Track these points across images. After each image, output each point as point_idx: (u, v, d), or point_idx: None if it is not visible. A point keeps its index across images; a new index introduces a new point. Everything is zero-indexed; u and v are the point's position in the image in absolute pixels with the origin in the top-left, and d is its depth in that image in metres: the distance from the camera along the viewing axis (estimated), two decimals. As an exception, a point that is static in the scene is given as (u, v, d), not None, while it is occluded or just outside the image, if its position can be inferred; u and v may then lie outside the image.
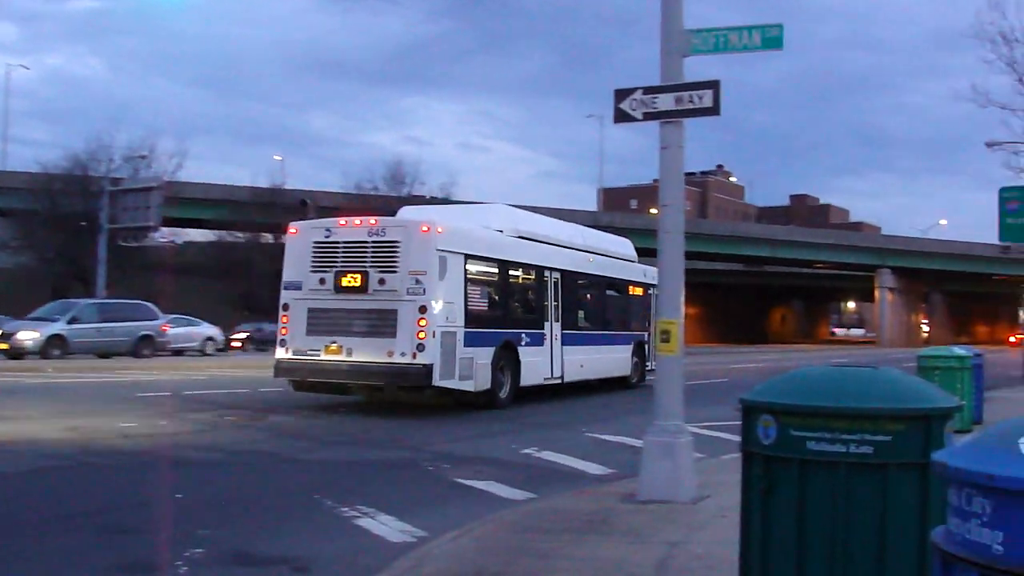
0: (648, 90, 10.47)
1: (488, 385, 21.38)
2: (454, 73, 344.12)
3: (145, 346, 42.88)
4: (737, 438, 5.05)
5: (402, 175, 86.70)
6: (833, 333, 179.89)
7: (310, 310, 20.55)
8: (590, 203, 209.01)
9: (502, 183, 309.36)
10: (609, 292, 28.44)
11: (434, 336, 19.52)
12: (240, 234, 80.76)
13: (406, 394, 20.60)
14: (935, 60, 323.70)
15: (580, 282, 26.57)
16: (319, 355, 20.18)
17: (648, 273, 29.70)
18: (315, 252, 20.69)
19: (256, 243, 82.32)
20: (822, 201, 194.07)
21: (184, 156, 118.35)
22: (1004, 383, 32.24)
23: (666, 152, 10.45)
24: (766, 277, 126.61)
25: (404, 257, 19.81)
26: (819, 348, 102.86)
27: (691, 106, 10.24)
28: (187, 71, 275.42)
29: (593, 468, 13.55)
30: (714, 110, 10.20)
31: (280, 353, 20.73)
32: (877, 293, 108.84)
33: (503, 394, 22.08)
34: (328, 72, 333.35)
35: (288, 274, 21.04)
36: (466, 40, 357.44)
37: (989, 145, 34.33)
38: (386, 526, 9.38)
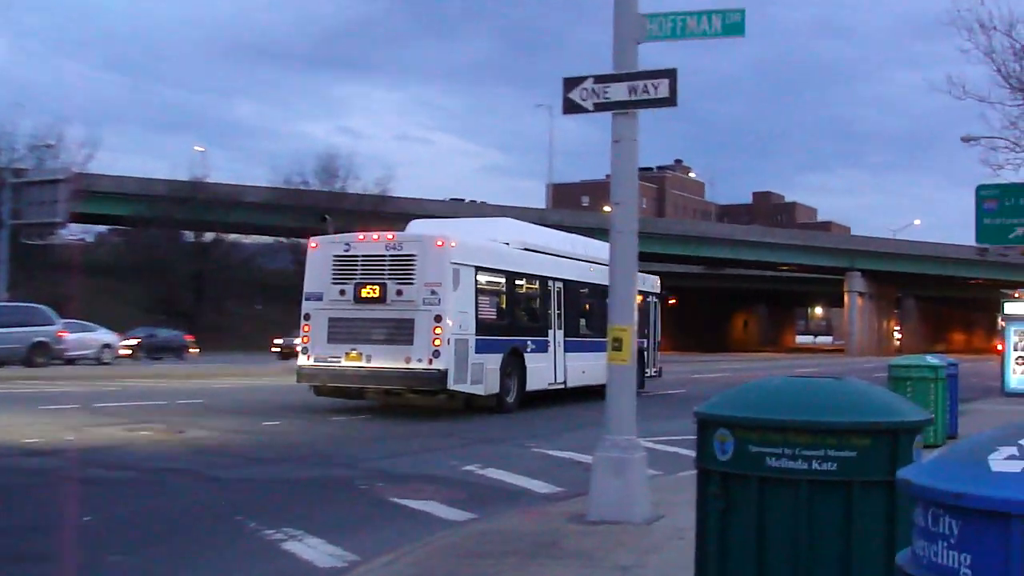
0: (599, 79, 10.51)
1: (497, 389, 24.18)
2: (391, 59, 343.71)
3: (39, 354, 41.72)
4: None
5: (335, 169, 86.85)
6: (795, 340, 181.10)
7: (331, 319, 23.39)
8: (539, 199, 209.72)
9: (444, 178, 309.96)
10: (609, 300, 29.18)
11: (448, 343, 22.38)
12: (158, 231, 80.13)
13: (419, 397, 23.71)
14: (909, 49, 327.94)
15: (582, 291, 29.58)
16: (340, 361, 23.09)
17: (647, 281, 33.20)
18: (335, 265, 23.53)
19: (176, 241, 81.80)
20: (788, 199, 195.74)
21: (95, 146, 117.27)
22: (981, 395, 32.65)
23: (619, 145, 10.49)
24: (727, 280, 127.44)
25: (420, 270, 22.65)
26: (784, 357, 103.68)
27: (646, 96, 10.28)
28: (98, 53, 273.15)
29: (540, 486, 13.57)
30: (671, 101, 10.25)
31: (302, 360, 23.63)
32: (846, 298, 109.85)
33: (510, 398, 24.88)
34: (254, 56, 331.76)
35: (309, 286, 23.97)
36: (404, 23, 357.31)
37: (965, 140, 34.68)
38: (315, 550, 9.34)
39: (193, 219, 78.41)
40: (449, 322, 22.42)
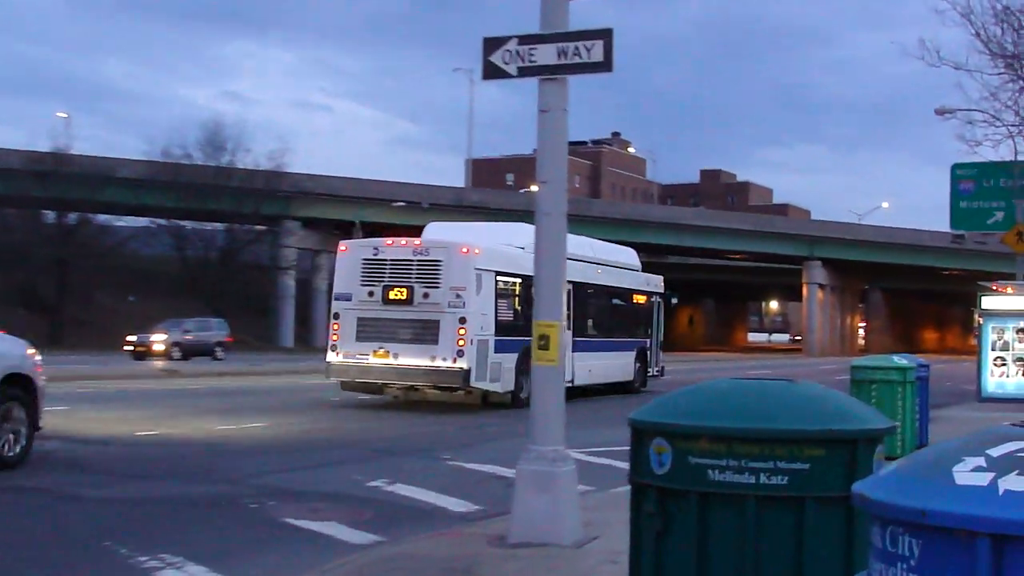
0: (525, 39, 10.52)
1: (512, 387, 28.76)
2: (286, 12, 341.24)
3: None
4: (627, 467, 5.11)
5: (222, 140, 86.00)
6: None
7: (359, 319, 28.06)
8: (457, 177, 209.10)
9: (347, 151, 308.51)
10: (615, 300, 37.36)
11: (471, 344, 27.05)
12: (13, 211, 78.95)
13: (439, 393, 28.20)
14: (876, 8, 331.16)
15: (589, 292, 34.74)
16: (367, 359, 27.69)
17: (651, 281, 39.91)
18: (364, 268, 28.13)
19: (35, 222, 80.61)
20: (740, 178, 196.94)
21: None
22: (955, 400, 33.13)
23: (546, 116, 10.52)
24: (671, 270, 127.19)
25: (446, 274, 27.30)
26: (735, 357, 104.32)
27: (577, 60, 10.32)
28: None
29: (455, 504, 13.60)
30: (605, 65, 10.29)
31: (331, 356, 28.44)
32: (805, 290, 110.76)
33: (524, 395, 27.87)
34: (124, 6, 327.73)
35: (339, 287, 28.81)
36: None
37: (940, 113, 35.05)
38: (195, 579, 9.29)
39: (55, 197, 77.12)
40: (472, 324, 27.13)
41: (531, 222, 10.97)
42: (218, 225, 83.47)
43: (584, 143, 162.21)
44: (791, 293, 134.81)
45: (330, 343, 28.63)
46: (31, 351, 16.81)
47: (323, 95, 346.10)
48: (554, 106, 10.51)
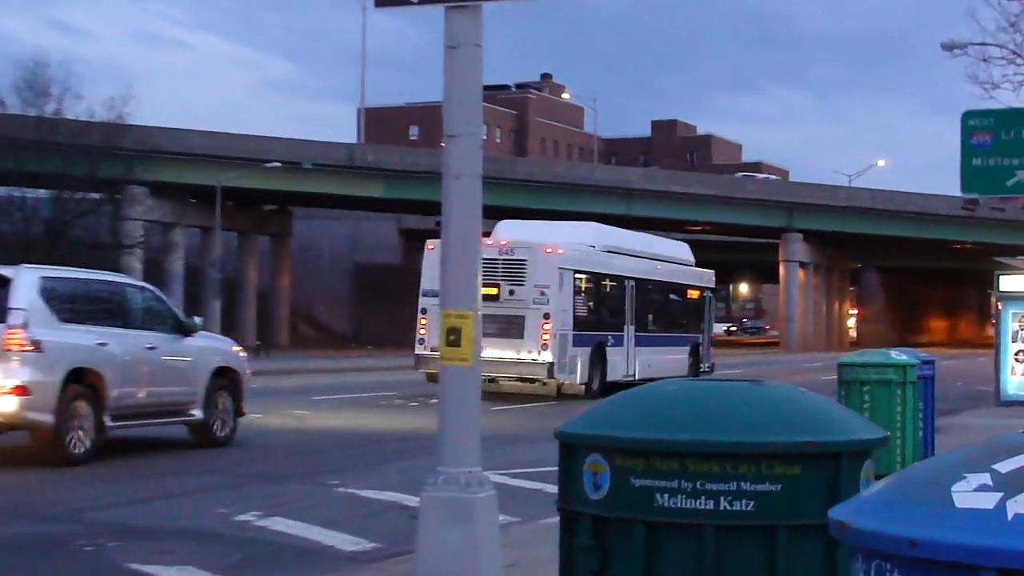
0: (428, -43, 10.51)
1: (586, 379, 37.80)
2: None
3: None
4: (556, 491, 5.13)
5: (46, 84, 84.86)
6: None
7: None
8: (347, 131, 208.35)
9: (208, 98, 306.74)
10: (672, 296, 47.56)
11: (554, 338, 35.65)
12: None
13: (515, 385, 36.45)
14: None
15: (650, 288, 44.47)
16: None
17: (702, 276, 50.32)
18: None
19: None
20: (701, 131, 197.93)
21: None
22: (968, 404, 33.36)
23: (455, 54, 10.50)
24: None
25: (531, 273, 35.89)
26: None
27: (494, -17, 10.31)
28: None
29: (346, 541, 13.60)
30: (530, -10, 10.31)
31: (419, 349, 37.23)
32: (783, 270, 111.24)
33: (595, 386, 37.92)
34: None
35: (426, 283, 36.78)
36: None
37: (948, 48, 35.30)
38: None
39: None
40: (555, 319, 35.66)
41: (439, 185, 10.97)
42: (42, 192, 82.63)
43: (507, 88, 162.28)
44: (766, 273, 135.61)
45: (418, 337, 37.14)
46: (236, 348, 24.98)
47: (176, 27, 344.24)
48: (465, 41, 10.48)
